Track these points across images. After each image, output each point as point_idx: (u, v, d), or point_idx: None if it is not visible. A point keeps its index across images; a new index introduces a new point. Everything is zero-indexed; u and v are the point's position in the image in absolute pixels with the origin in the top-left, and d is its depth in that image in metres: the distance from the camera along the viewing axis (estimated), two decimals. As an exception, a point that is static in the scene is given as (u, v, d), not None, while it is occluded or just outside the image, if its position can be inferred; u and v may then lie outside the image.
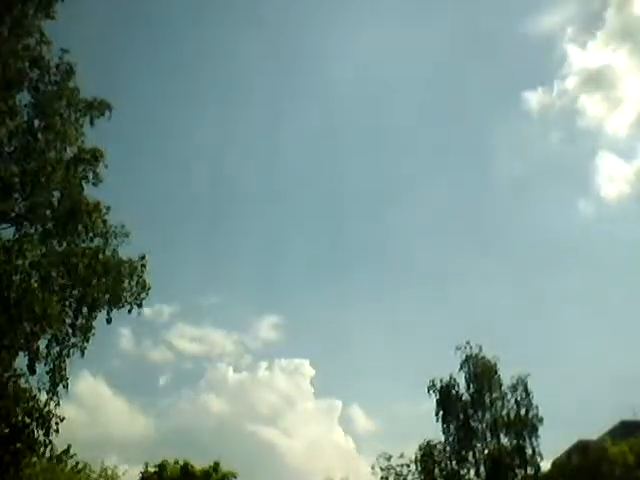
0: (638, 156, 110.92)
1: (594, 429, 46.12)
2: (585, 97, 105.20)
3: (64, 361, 18.74)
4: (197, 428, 76.46)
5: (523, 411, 40.43)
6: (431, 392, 40.97)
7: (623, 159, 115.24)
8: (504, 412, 40.58)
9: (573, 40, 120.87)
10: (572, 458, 41.14)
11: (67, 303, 19.02)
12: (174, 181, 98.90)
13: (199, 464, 44.44)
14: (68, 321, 18.91)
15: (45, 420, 18.30)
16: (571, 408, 59.05)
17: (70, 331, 18.93)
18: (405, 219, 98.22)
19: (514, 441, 40.03)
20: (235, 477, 44.97)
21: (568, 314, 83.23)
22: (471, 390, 41.01)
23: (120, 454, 61.65)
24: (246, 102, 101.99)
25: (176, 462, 44.11)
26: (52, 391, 18.46)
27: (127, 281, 19.73)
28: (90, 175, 20.45)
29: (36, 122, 20.38)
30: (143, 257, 20.17)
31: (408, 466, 40.51)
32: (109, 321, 19.60)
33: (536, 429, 40.01)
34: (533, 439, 39.92)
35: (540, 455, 39.75)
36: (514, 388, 40.90)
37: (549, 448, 42.96)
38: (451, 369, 41.34)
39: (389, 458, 40.74)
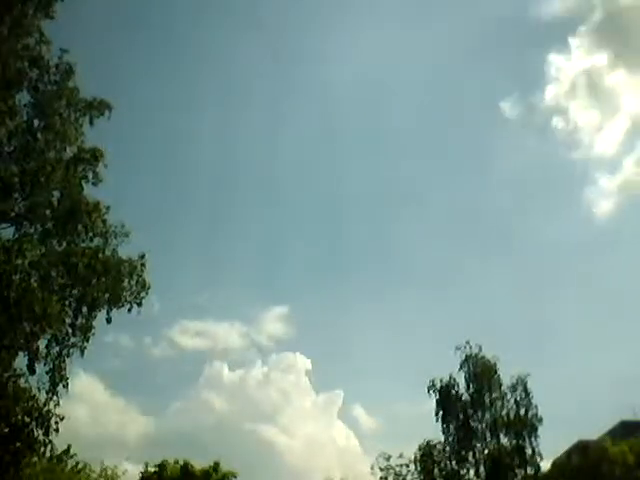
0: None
1: (594, 429, 46.14)
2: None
3: (64, 361, 18.75)
4: (197, 427, 76.57)
5: (523, 411, 40.35)
6: (431, 392, 40.97)
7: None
8: (504, 412, 40.51)
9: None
10: (572, 458, 41.11)
11: (67, 303, 19.02)
12: (174, 181, 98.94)
13: (199, 464, 44.40)
14: (68, 321, 18.92)
15: (45, 420, 18.29)
16: (571, 408, 59.12)
17: (70, 331, 18.93)
18: (405, 219, 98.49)
19: (514, 441, 39.94)
20: (235, 477, 44.92)
21: (568, 314, 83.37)
22: (471, 390, 40.93)
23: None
24: (246, 103, 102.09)
25: (176, 462, 44.01)
26: (52, 391, 18.47)
27: (127, 280, 19.74)
28: (90, 175, 20.45)
29: (36, 122, 20.39)
30: (143, 256, 20.19)
31: (407, 466, 40.49)
32: (109, 321, 19.62)
33: (536, 429, 39.95)
34: (533, 439, 39.85)
35: (540, 455, 39.72)
36: (514, 388, 40.83)
37: (549, 448, 43.00)
38: (451, 369, 41.36)
39: (388, 458, 40.71)
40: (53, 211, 19.78)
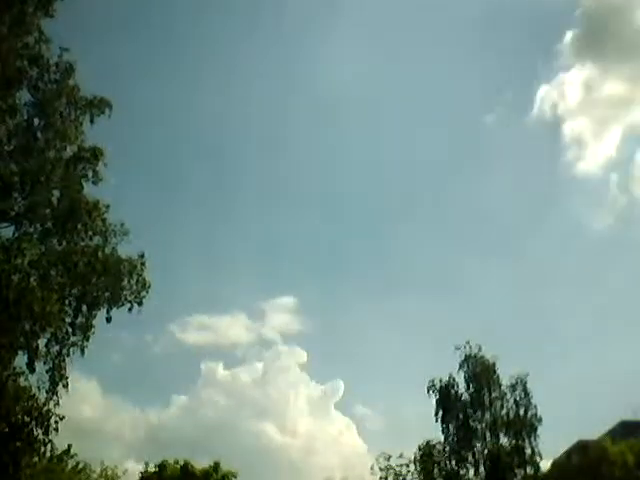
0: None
1: (594, 429, 46.11)
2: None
3: (64, 360, 18.74)
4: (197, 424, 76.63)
5: (522, 411, 40.30)
6: (431, 392, 40.95)
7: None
8: (503, 412, 40.47)
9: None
10: (572, 458, 41.11)
11: (67, 302, 19.00)
12: (174, 179, 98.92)
13: (199, 464, 44.43)
14: (68, 320, 18.91)
15: (45, 419, 18.26)
16: (571, 408, 59.11)
17: (70, 330, 18.91)
18: (406, 219, 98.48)
19: (513, 441, 39.89)
20: (235, 477, 44.94)
21: (568, 314, 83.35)
22: (470, 390, 40.91)
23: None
24: (246, 104, 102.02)
25: (176, 462, 44.06)
26: (52, 390, 18.45)
27: (127, 279, 19.72)
28: (90, 174, 20.42)
29: (36, 121, 20.38)
30: (142, 255, 20.19)
31: (407, 466, 40.47)
32: (109, 320, 19.60)
33: (535, 429, 39.89)
34: (532, 439, 39.81)
35: (539, 455, 39.66)
36: (513, 388, 40.79)
37: (549, 448, 42.95)
38: (451, 369, 41.34)
39: (388, 458, 40.69)
40: (53, 210, 19.75)
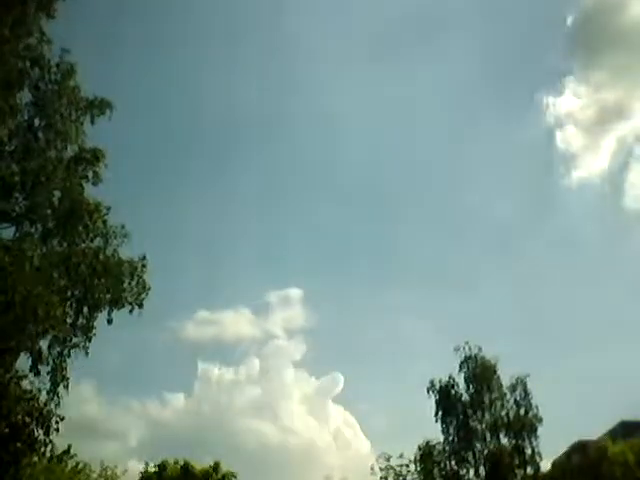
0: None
1: (594, 429, 46.13)
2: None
3: (65, 361, 18.74)
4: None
5: (522, 411, 40.32)
6: (430, 392, 40.96)
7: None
8: (503, 412, 40.49)
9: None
10: (572, 458, 41.12)
11: (68, 303, 19.00)
12: (176, 177, 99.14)
13: (199, 464, 44.44)
14: (69, 321, 18.90)
15: (45, 420, 18.27)
16: (571, 408, 59.14)
17: (71, 331, 18.90)
18: (407, 219, 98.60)
19: (513, 441, 39.92)
20: (235, 477, 44.96)
21: (568, 314, 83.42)
22: (470, 390, 40.93)
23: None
24: (248, 103, 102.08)
25: (176, 462, 44.09)
26: (53, 391, 18.45)
27: (127, 281, 19.71)
28: (90, 175, 20.41)
29: (37, 121, 20.33)
30: (143, 257, 20.18)
31: (407, 466, 40.48)
32: (110, 321, 19.60)
33: (535, 429, 39.92)
34: (532, 439, 39.84)
35: (539, 455, 39.72)
36: (513, 388, 40.81)
37: (549, 448, 42.98)
38: (451, 369, 41.36)
39: (388, 458, 40.71)
40: (54, 211, 19.72)
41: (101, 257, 19.60)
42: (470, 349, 41.05)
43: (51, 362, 18.48)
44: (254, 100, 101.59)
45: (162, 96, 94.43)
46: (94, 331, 19.29)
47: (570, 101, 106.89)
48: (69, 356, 18.74)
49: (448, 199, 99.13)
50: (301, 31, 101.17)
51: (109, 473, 35.27)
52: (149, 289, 20.04)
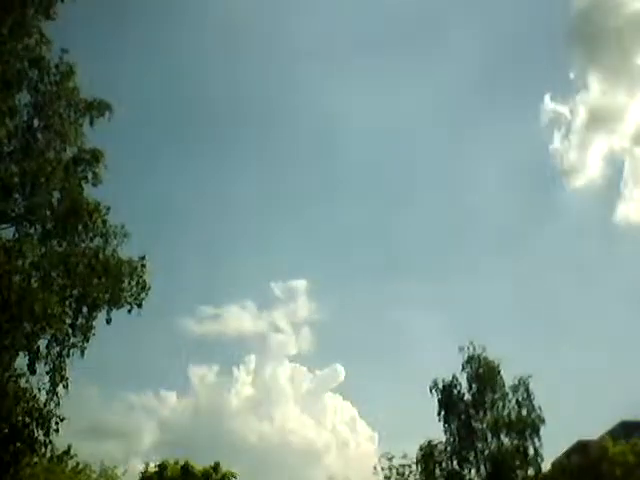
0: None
1: (594, 429, 46.11)
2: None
3: (64, 361, 18.74)
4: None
5: (524, 412, 40.32)
6: (433, 392, 40.97)
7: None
8: (505, 412, 40.48)
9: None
10: (572, 458, 41.11)
11: (67, 303, 19.00)
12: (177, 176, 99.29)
13: (199, 464, 44.44)
14: (68, 321, 18.90)
15: (45, 420, 18.29)
16: (571, 408, 59.10)
17: (70, 331, 18.92)
18: (407, 218, 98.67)
19: (515, 441, 39.92)
20: (235, 477, 44.98)
21: (568, 314, 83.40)
22: (473, 390, 40.92)
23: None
24: (249, 107, 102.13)
25: (176, 462, 44.10)
26: (52, 391, 18.47)
27: (127, 281, 19.73)
28: (89, 175, 20.43)
29: (36, 122, 20.32)
30: (143, 257, 20.18)
31: (410, 466, 40.51)
32: (109, 321, 19.62)
33: (537, 430, 39.90)
34: (535, 440, 39.84)
35: (541, 456, 39.72)
36: (515, 389, 40.80)
37: (549, 448, 42.97)
38: (454, 369, 41.38)
39: (391, 458, 40.81)
40: (53, 212, 19.74)
41: (100, 257, 19.59)
42: (474, 349, 41.08)
43: (50, 362, 18.48)
44: (254, 99, 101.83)
45: (162, 96, 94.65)
46: (93, 331, 19.31)
47: (570, 101, 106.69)
48: (68, 356, 18.76)
49: (448, 199, 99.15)
50: (302, 30, 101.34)
51: (109, 473, 35.33)
52: (149, 289, 20.04)
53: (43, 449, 18.61)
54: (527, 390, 40.63)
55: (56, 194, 19.92)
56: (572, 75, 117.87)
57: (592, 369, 73.76)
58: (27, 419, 18.19)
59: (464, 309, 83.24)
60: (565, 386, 67.55)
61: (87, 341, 19.09)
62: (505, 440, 40.05)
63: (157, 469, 43.85)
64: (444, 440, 40.30)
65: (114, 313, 19.64)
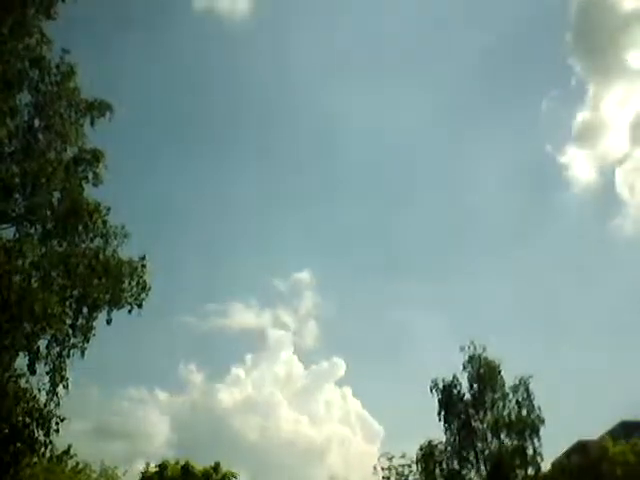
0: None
1: (594, 429, 46.12)
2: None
3: (64, 361, 18.73)
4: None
5: (524, 412, 40.32)
6: (433, 391, 40.98)
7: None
8: (505, 412, 40.48)
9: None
10: (572, 458, 41.12)
11: (67, 303, 18.99)
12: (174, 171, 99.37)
13: (200, 464, 44.41)
14: (68, 321, 18.89)
15: (45, 420, 18.28)
16: (571, 408, 59.11)
17: (70, 331, 18.91)
18: (407, 218, 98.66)
19: (515, 441, 39.92)
20: (235, 477, 44.95)
21: (568, 314, 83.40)
22: (473, 390, 40.93)
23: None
24: (247, 102, 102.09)
25: (176, 462, 44.05)
26: (52, 391, 18.46)
27: (127, 281, 19.71)
28: (90, 175, 20.42)
29: (36, 122, 20.31)
30: (143, 258, 20.17)
31: (409, 466, 40.52)
32: (109, 322, 19.61)
33: (537, 430, 39.90)
34: (535, 440, 39.84)
35: (541, 456, 39.73)
36: (515, 389, 40.80)
37: (549, 448, 43.02)
38: (455, 368, 41.38)
39: (391, 458, 40.80)
40: (53, 212, 19.73)
41: (101, 257, 19.57)
42: (475, 348, 41.08)
43: (50, 362, 18.47)
44: (254, 99, 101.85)
45: (162, 96, 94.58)
46: (93, 331, 19.30)
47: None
48: (68, 356, 18.75)
49: (448, 199, 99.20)
50: (302, 30, 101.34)
51: (109, 473, 35.32)
52: (149, 289, 20.03)
53: (43, 449, 18.58)
54: (527, 390, 40.66)
55: (56, 194, 19.92)
56: (572, 75, 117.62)
57: (592, 369, 73.86)
58: (27, 419, 18.18)
59: (464, 309, 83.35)
60: (565, 386, 67.67)
61: (87, 341, 19.09)
62: (505, 440, 40.08)
63: (157, 469, 43.82)
64: (444, 440, 40.37)
65: (114, 313, 19.69)
